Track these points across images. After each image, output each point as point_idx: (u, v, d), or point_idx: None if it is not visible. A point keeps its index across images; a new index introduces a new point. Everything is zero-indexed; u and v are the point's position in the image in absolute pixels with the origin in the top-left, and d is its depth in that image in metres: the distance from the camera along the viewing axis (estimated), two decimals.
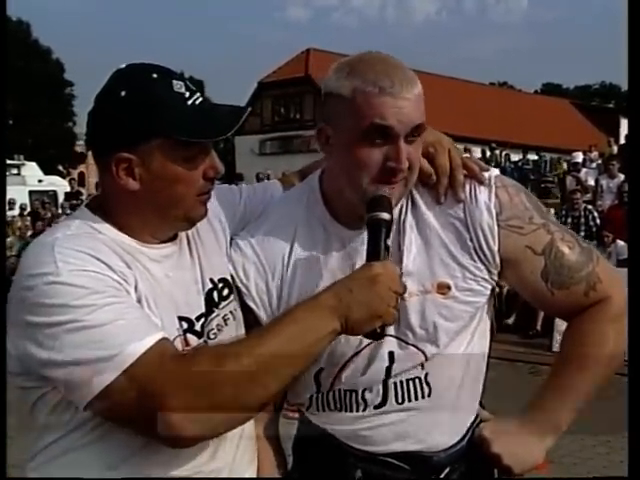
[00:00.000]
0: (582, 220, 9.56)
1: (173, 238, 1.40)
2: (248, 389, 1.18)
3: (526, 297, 1.52)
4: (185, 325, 1.33)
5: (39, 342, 1.17)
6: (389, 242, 1.32)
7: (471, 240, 1.41)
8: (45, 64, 38.12)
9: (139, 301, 1.26)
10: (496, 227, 1.40)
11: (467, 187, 1.42)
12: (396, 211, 1.41)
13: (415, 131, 1.33)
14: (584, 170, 13.21)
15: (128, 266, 1.27)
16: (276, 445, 1.56)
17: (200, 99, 1.32)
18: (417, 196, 1.45)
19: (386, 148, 1.32)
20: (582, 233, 9.28)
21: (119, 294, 1.22)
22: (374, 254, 1.29)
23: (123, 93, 1.27)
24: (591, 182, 12.11)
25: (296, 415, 1.57)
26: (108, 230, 1.31)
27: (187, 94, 1.30)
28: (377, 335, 1.28)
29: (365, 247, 1.33)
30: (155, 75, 1.29)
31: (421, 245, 1.42)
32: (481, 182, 1.43)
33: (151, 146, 1.27)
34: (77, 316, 1.16)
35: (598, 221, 9.61)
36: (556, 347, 6.68)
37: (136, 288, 1.26)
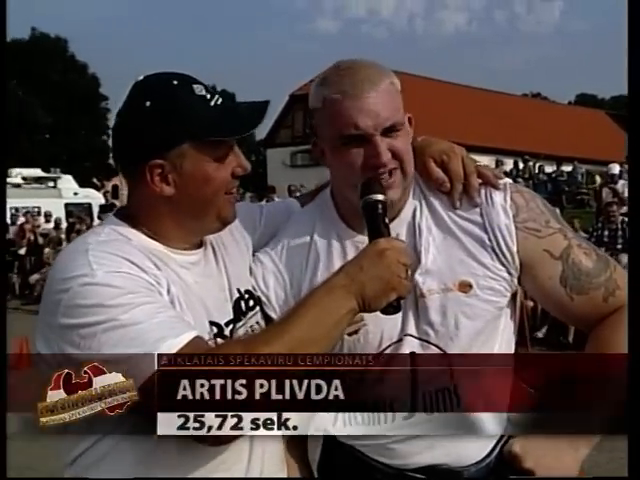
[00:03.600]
0: (619, 233, 9.38)
1: (199, 246, 1.43)
2: None
3: (545, 305, 1.54)
4: (215, 330, 1.35)
5: (76, 343, 1.19)
6: (387, 221, 1.36)
7: (490, 240, 1.43)
8: (81, 79, 38.92)
9: (172, 303, 1.28)
10: (513, 228, 1.42)
11: (482, 192, 1.46)
12: (409, 215, 1.47)
13: (392, 127, 1.37)
14: (621, 182, 13.00)
15: (159, 269, 1.30)
16: (303, 464, 1.55)
17: (221, 99, 1.36)
18: (434, 201, 1.47)
19: (365, 148, 1.37)
20: (619, 246, 9.13)
21: (152, 295, 1.24)
22: (376, 232, 1.33)
23: (148, 103, 1.32)
24: None
25: None
26: (137, 237, 1.34)
27: (208, 96, 1.35)
28: (394, 309, 1.29)
29: None
30: (175, 82, 1.34)
31: (440, 246, 1.44)
32: (495, 187, 1.45)
33: (182, 150, 1.31)
34: (113, 315, 1.18)
35: None
36: None
37: (168, 291, 1.29)
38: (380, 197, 1.35)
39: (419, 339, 1.41)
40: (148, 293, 1.23)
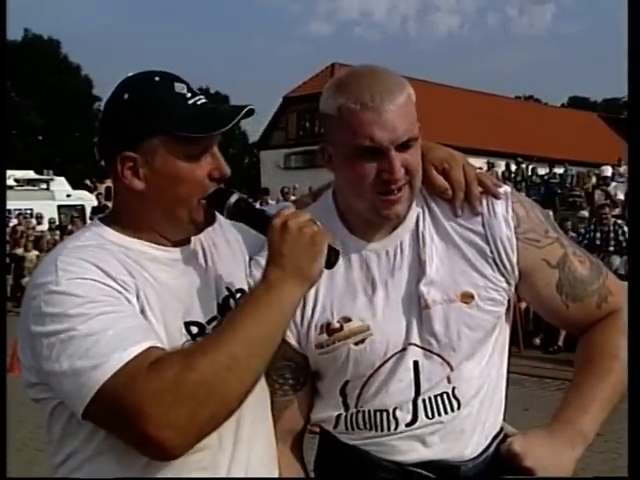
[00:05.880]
0: (612, 235, 9.41)
1: (186, 243, 1.41)
2: (221, 383, 1.14)
3: (540, 311, 1.56)
4: (195, 330, 1.33)
5: (38, 352, 1.19)
6: (258, 206, 1.36)
7: (491, 252, 1.44)
8: (75, 80, 38.79)
9: (142, 309, 1.26)
10: (514, 239, 1.44)
11: (484, 201, 1.46)
12: (413, 222, 1.46)
13: (408, 142, 1.35)
14: (613, 184, 13.08)
15: (132, 275, 1.28)
16: (300, 465, 1.55)
17: (202, 100, 1.34)
18: (436, 209, 1.48)
19: (379, 161, 1.35)
20: (612, 248, 9.17)
21: (116, 302, 1.21)
22: (263, 223, 1.30)
23: (126, 96, 1.32)
24: (620, 196, 11.95)
25: (316, 429, 1.56)
26: (118, 238, 1.33)
27: (188, 95, 1.33)
28: (334, 256, 1.29)
29: (382, 259, 1.43)
30: (157, 78, 1.34)
31: (443, 256, 1.44)
32: (497, 196, 1.46)
33: (153, 144, 1.30)
34: (72, 325, 1.16)
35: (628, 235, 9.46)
36: None
37: (138, 297, 1.26)
38: (235, 197, 1.34)
39: (422, 348, 1.42)
40: (111, 302, 1.20)
